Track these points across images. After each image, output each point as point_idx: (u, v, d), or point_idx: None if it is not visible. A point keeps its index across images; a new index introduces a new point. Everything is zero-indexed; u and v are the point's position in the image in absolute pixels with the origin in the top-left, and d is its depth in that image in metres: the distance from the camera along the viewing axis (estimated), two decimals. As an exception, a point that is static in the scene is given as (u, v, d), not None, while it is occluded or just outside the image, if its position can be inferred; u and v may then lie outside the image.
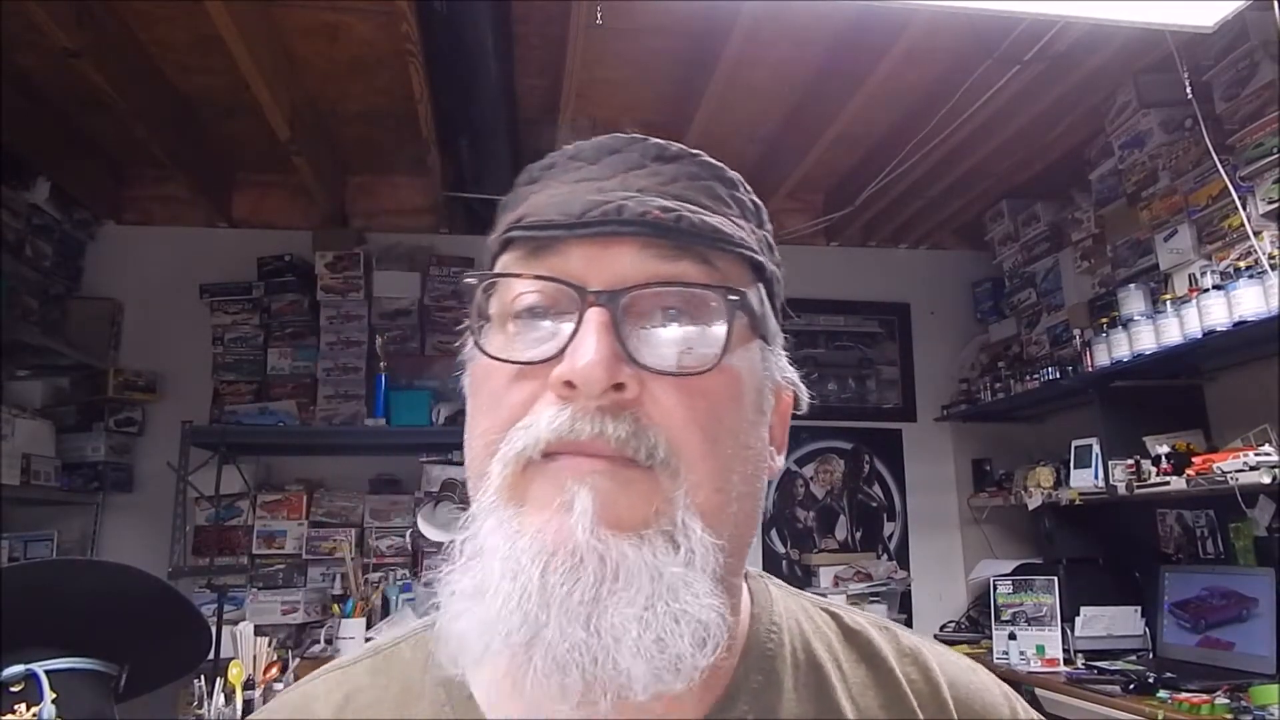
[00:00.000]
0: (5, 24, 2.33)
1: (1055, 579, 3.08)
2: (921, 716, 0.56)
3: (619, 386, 0.46)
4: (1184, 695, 2.32)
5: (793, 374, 0.57)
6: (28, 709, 1.21)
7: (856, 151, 3.40)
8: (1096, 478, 2.93)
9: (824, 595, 0.70)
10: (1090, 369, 2.99)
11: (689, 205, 0.50)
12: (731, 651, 0.53)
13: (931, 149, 2.97)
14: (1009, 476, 3.62)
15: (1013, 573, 3.26)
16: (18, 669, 1.22)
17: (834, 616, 0.61)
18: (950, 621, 3.68)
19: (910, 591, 3.71)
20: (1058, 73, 2.58)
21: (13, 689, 1.21)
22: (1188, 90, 2.39)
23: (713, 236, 0.50)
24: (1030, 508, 3.33)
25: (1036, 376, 3.34)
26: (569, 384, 0.46)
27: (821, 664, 0.56)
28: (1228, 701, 2.24)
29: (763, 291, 0.54)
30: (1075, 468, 3.08)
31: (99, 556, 3.21)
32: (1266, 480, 2.25)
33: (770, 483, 0.57)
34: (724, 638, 0.47)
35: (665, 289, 0.48)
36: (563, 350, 0.47)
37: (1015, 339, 3.75)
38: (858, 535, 3.82)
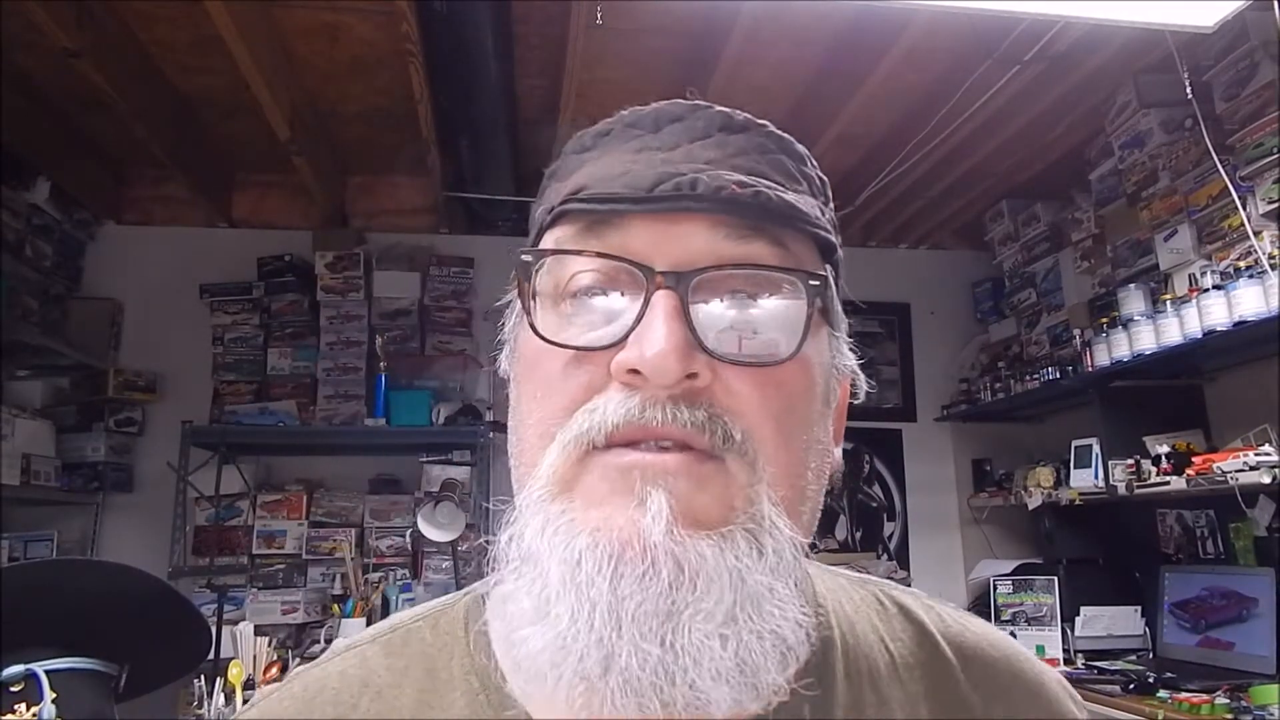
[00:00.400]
0: (5, 24, 2.33)
1: (1055, 579, 3.08)
2: (970, 694, 0.53)
3: (691, 376, 0.43)
4: (1184, 695, 2.32)
5: (853, 361, 0.54)
6: (28, 709, 1.21)
7: (856, 151, 3.40)
8: (1096, 478, 2.93)
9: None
10: (1090, 369, 2.99)
11: (764, 181, 0.46)
12: None
13: (931, 149, 2.97)
14: (1009, 476, 3.62)
15: (1013, 573, 3.26)
16: (18, 669, 1.22)
17: (875, 594, 0.58)
18: (950, 621, 3.68)
19: (910, 591, 3.70)
20: (1058, 73, 2.58)
21: (13, 689, 1.21)
22: (1188, 90, 2.39)
23: (789, 215, 0.46)
24: (1030, 508, 3.32)
25: (1036, 376, 3.33)
26: (635, 372, 0.42)
27: (869, 645, 0.53)
28: (1228, 701, 2.24)
29: (831, 274, 0.50)
30: (1075, 468, 3.08)
31: (99, 556, 3.21)
32: (1266, 480, 2.25)
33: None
34: (805, 652, 0.44)
35: (741, 271, 0.45)
36: (627, 335, 0.43)
37: (1015, 339, 3.75)
38: (858, 535, 3.81)
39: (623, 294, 0.45)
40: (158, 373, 3.45)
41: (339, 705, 0.50)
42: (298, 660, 2.56)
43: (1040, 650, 2.97)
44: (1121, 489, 2.77)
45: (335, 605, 3.06)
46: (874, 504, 3.86)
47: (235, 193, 3.65)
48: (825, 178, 0.53)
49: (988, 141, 3.01)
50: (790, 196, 0.47)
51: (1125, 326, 2.82)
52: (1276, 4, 1.93)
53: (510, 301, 0.51)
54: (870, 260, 4.04)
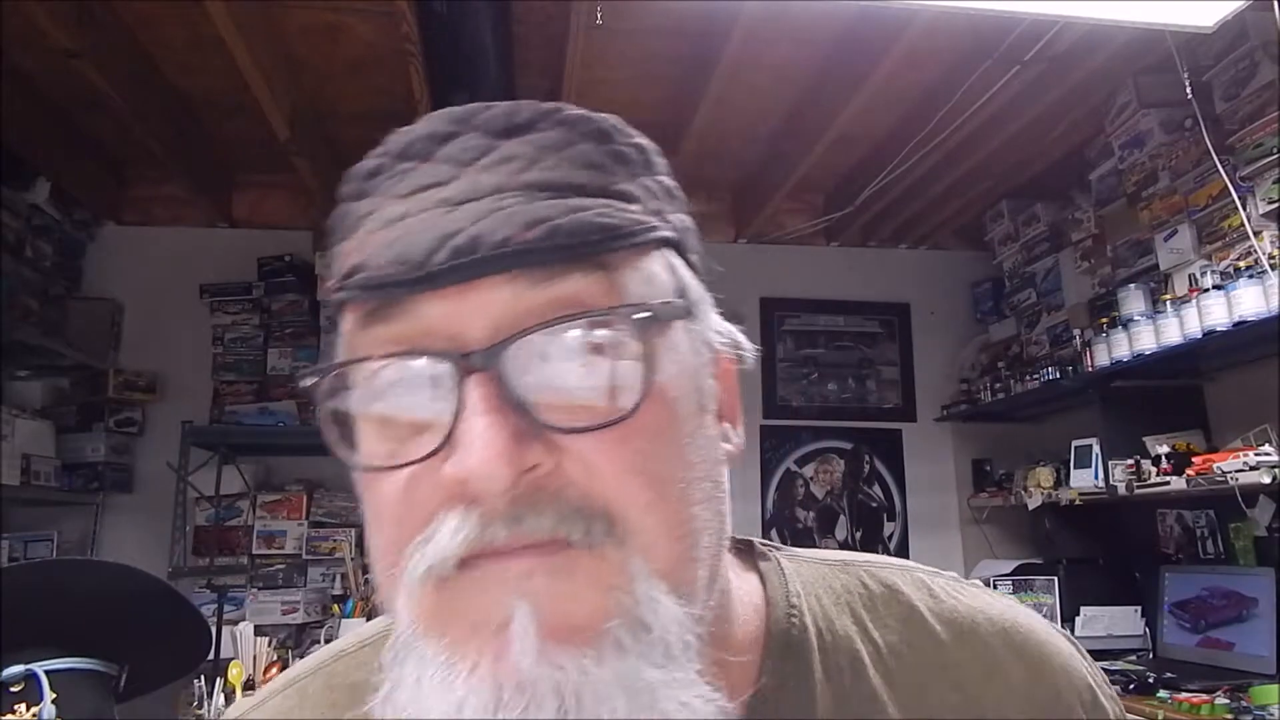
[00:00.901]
0: (5, 24, 2.33)
1: (1055, 579, 3.08)
2: (964, 674, 0.50)
3: (531, 468, 0.37)
4: (1184, 695, 2.32)
5: (728, 330, 0.48)
6: (28, 709, 1.21)
7: (856, 151, 3.40)
8: (1096, 478, 2.93)
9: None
10: (1090, 369, 2.99)
11: (563, 196, 0.40)
12: (754, 646, 0.49)
13: (931, 149, 2.97)
14: (1009, 476, 3.62)
15: (1013, 573, 3.26)
16: (18, 669, 1.22)
17: (860, 578, 0.54)
18: (950, 621, 3.68)
19: (910, 591, 3.70)
20: (1058, 73, 2.58)
21: (13, 689, 1.21)
22: (1188, 90, 2.39)
23: (597, 240, 0.39)
24: (1030, 508, 3.32)
25: (1036, 377, 3.33)
26: (465, 484, 0.37)
27: (850, 639, 0.50)
28: (1228, 702, 2.24)
29: (671, 258, 0.44)
30: (1075, 468, 3.08)
31: (99, 556, 3.21)
32: (1266, 480, 2.25)
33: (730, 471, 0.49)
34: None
35: (556, 325, 0.38)
36: (449, 436, 0.37)
37: (1015, 339, 3.75)
38: (858, 535, 3.81)
39: (438, 384, 0.39)
40: (158, 373, 3.45)
41: None
42: (297, 660, 2.56)
43: (1040, 650, 2.97)
44: (1121, 489, 2.77)
45: (335, 605, 3.06)
46: (874, 504, 3.86)
47: (235, 193, 3.65)
48: (646, 143, 0.47)
49: (988, 141, 3.01)
50: (594, 210, 0.40)
51: (1125, 326, 2.82)
52: (1276, 4, 1.93)
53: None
54: (870, 260, 4.04)
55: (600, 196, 0.41)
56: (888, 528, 3.84)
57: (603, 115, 0.45)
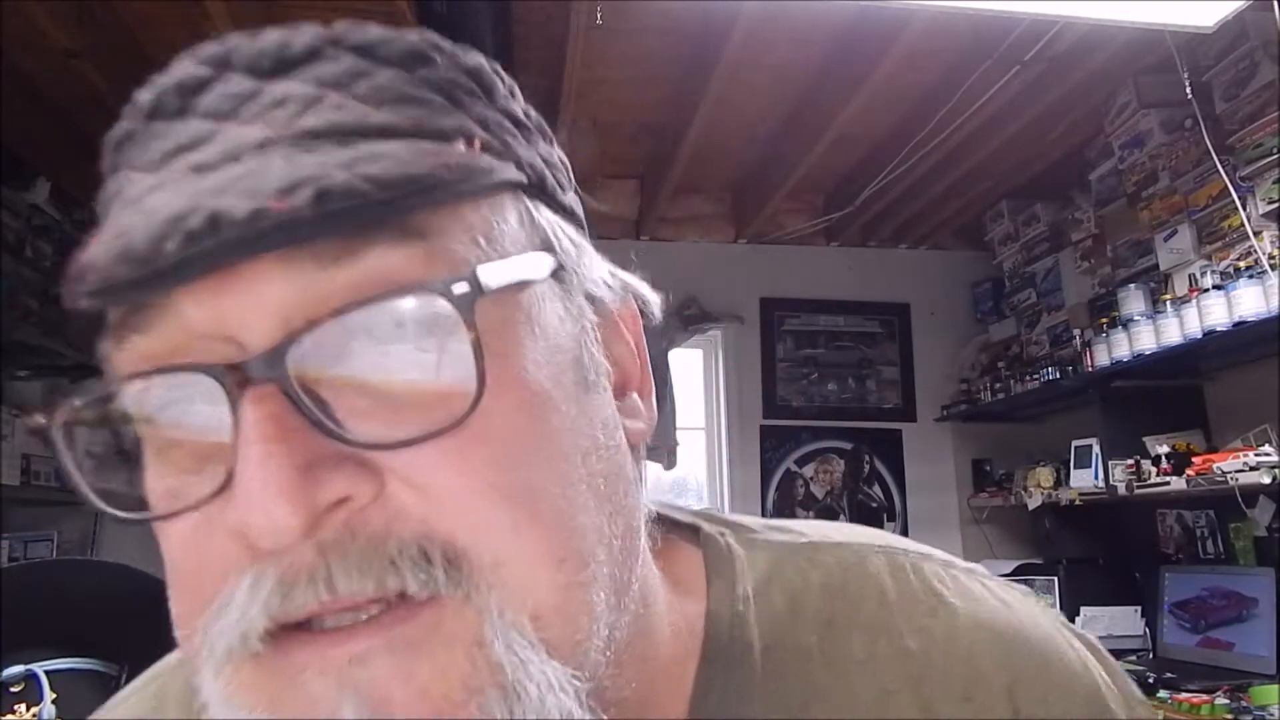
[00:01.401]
0: (5, 24, 2.33)
1: (1055, 579, 3.09)
2: (935, 698, 0.40)
3: (338, 502, 0.29)
4: (1184, 695, 2.32)
5: (622, 280, 0.40)
6: (28, 709, 1.21)
7: (856, 151, 3.40)
8: (1096, 478, 2.93)
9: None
10: (1090, 369, 2.99)
11: (352, 141, 0.30)
12: (689, 654, 0.40)
13: (931, 149, 2.97)
14: (1009, 477, 3.62)
15: (1013, 573, 3.25)
16: (18, 669, 1.22)
17: (827, 567, 0.44)
18: (950, 622, 3.68)
19: (910, 592, 3.70)
20: (1057, 73, 2.58)
21: (13, 689, 1.21)
22: (1188, 90, 2.39)
23: (391, 194, 0.29)
24: (1030, 508, 3.33)
25: (1036, 377, 3.33)
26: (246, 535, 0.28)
27: (806, 656, 0.41)
28: (1228, 702, 2.24)
29: (526, 205, 0.35)
30: (1075, 468, 3.08)
31: (99, 556, 3.21)
32: (1266, 480, 2.25)
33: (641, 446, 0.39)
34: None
35: (353, 315, 0.29)
36: (230, 476, 0.29)
37: (1015, 339, 3.75)
38: (858, 535, 3.81)
39: (211, 406, 0.30)
40: (158, 373, 3.45)
41: None
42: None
43: (1040, 650, 2.97)
44: (1121, 489, 2.77)
45: (335, 605, 3.05)
46: (874, 504, 3.86)
47: (235, 193, 3.65)
48: (478, 63, 0.36)
49: (988, 141, 3.01)
50: (393, 158, 0.29)
51: (1125, 326, 2.82)
52: (1276, 4, 1.93)
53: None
54: (870, 260, 4.04)
55: (410, 137, 0.32)
56: (888, 528, 3.84)
57: (415, 33, 0.35)
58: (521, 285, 0.33)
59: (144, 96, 0.36)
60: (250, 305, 0.29)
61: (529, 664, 0.29)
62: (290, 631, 0.29)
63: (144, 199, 0.31)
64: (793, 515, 3.80)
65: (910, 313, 4.01)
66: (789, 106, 3.10)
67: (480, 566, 0.30)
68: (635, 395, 0.40)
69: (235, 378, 0.29)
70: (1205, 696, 2.28)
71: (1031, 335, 3.62)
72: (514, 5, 2.48)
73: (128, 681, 1.47)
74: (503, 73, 0.38)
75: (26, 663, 1.23)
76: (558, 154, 0.39)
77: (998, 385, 3.58)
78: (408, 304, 0.30)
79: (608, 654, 0.33)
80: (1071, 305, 3.39)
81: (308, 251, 0.29)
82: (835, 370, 3.93)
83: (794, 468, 3.82)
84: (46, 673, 1.23)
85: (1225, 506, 2.77)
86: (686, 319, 3.56)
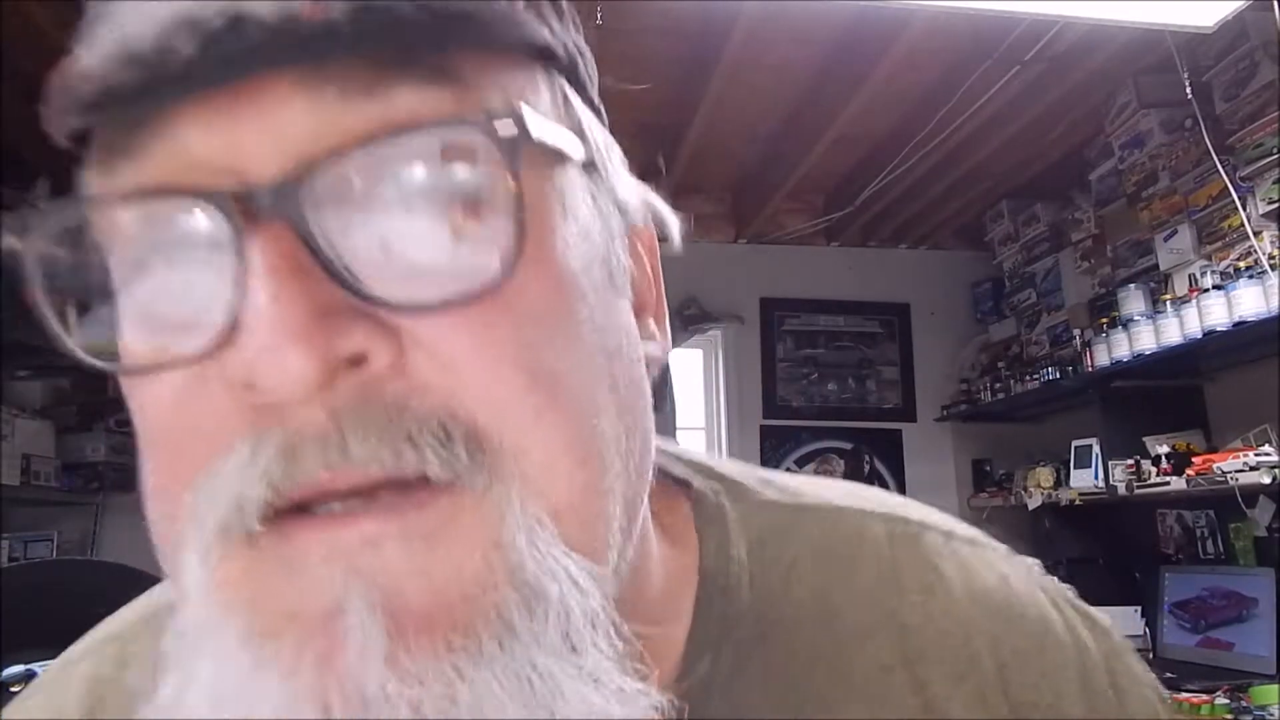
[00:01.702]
0: (5, 24, 2.33)
1: (1055, 579, 3.08)
2: (931, 677, 0.38)
3: (356, 360, 0.26)
4: (1184, 695, 2.32)
5: (645, 195, 0.37)
6: (28, 709, 1.21)
7: (856, 151, 3.40)
8: (1096, 478, 2.93)
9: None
10: (1090, 369, 2.99)
11: None
12: (678, 619, 0.37)
13: (931, 149, 2.97)
14: (1009, 477, 3.62)
15: (1013, 573, 3.25)
16: (18, 669, 1.22)
17: (823, 530, 0.42)
18: (950, 622, 3.68)
19: (910, 592, 3.70)
20: (1057, 73, 2.58)
21: (13, 689, 1.21)
22: (1188, 90, 2.39)
23: (442, 26, 0.26)
24: (1030, 508, 3.33)
25: (1036, 377, 3.33)
26: (254, 388, 0.25)
27: (797, 618, 0.38)
28: (1228, 702, 2.24)
29: (564, 86, 0.33)
30: (1075, 468, 3.08)
31: (99, 556, 3.21)
32: (1266, 480, 2.25)
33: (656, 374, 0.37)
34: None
35: (382, 149, 0.26)
36: (234, 324, 0.25)
37: (1015, 339, 3.75)
38: (858, 535, 3.81)
39: (210, 247, 0.26)
40: (158, 373, 3.45)
41: None
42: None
43: (1040, 650, 2.97)
44: (1121, 489, 2.77)
45: (335, 605, 3.05)
46: (874, 504, 3.85)
47: (235, 193, 3.65)
48: None
49: (988, 141, 3.01)
50: None
51: (1125, 327, 2.82)
52: (1276, 4, 1.93)
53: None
54: (870, 260, 4.04)
55: None
56: (888, 528, 3.84)
57: None
58: (559, 156, 0.30)
59: None
60: (263, 131, 0.26)
61: (551, 560, 0.26)
62: (291, 515, 0.26)
63: (150, 9, 0.26)
64: (793, 515, 3.80)
65: (910, 313, 4.01)
66: (789, 106, 3.10)
67: (502, 454, 0.27)
68: (650, 318, 0.37)
69: (242, 209, 0.25)
70: (1205, 696, 2.28)
71: (1031, 335, 3.62)
72: (514, 5, 2.48)
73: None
74: None
75: (26, 663, 1.23)
76: (586, 46, 0.36)
77: (998, 385, 3.58)
78: (444, 140, 0.26)
79: (615, 586, 0.29)
80: (1071, 305, 3.39)
81: (335, 78, 0.26)
82: (835, 370, 3.93)
83: (794, 468, 3.82)
84: (46, 673, 1.23)
85: (1225, 506, 2.77)
86: (686, 319, 3.56)
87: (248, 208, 0.25)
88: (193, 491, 0.27)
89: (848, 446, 3.87)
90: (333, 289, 0.25)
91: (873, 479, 3.87)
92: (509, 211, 0.26)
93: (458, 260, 0.26)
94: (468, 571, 0.26)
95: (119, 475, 3.32)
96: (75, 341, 0.28)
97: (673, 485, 0.42)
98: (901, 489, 3.87)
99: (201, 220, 0.26)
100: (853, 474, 3.85)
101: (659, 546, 0.38)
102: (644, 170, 3.51)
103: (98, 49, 0.26)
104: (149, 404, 0.28)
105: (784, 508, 0.42)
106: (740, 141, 3.35)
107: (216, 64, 0.25)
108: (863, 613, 0.39)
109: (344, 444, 0.25)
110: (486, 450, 0.26)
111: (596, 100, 0.36)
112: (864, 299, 3.99)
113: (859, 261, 4.03)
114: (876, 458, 3.88)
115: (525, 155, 0.27)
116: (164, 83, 0.25)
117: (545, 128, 0.28)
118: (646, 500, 0.34)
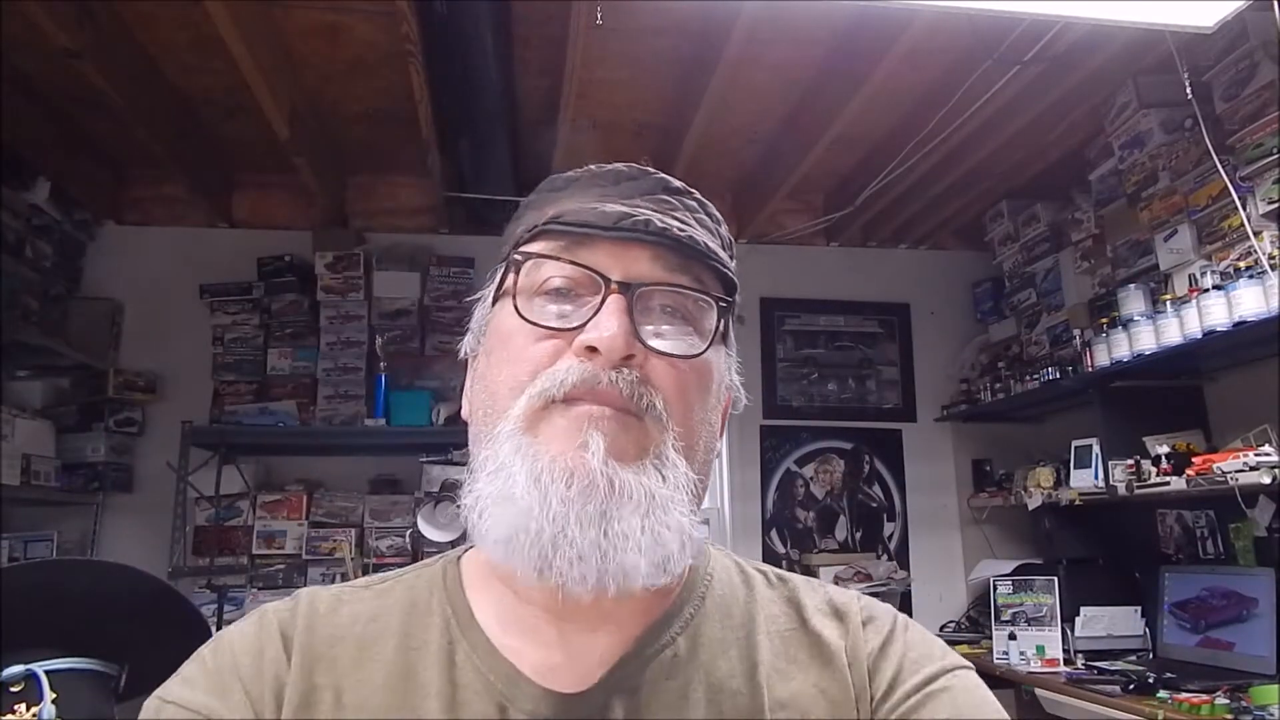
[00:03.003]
0: (5, 24, 2.33)
1: (1055, 579, 3.08)
2: (839, 663, 0.64)
3: (629, 356, 0.57)
4: (1184, 695, 2.32)
5: (736, 380, 0.70)
6: (28, 709, 1.21)
7: (856, 152, 3.40)
8: (1096, 478, 2.93)
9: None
10: (1090, 369, 2.99)
11: (694, 230, 0.62)
12: (670, 590, 0.64)
13: (931, 149, 2.97)
14: (1009, 477, 3.62)
15: (1013, 573, 3.26)
16: (18, 669, 1.22)
17: (763, 571, 0.71)
18: (950, 622, 3.68)
19: (910, 592, 3.70)
20: (1058, 73, 2.58)
21: (13, 689, 1.22)
22: (1188, 91, 2.39)
23: (709, 256, 0.62)
24: (1030, 508, 3.33)
25: (1036, 377, 3.33)
26: (591, 349, 0.57)
27: (745, 606, 0.67)
28: (1228, 702, 2.24)
29: (730, 307, 0.65)
30: (1075, 468, 3.08)
31: (99, 556, 3.21)
32: (1266, 480, 2.25)
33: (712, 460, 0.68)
34: (699, 545, 0.59)
35: (672, 289, 0.60)
36: (587, 322, 0.58)
37: (1015, 339, 3.75)
38: (858, 535, 3.81)
39: (583, 296, 0.60)
40: (158, 373, 3.45)
41: (335, 624, 0.63)
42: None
43: (1040, 650, 2.97)
44: (1121, 489, 2.77)
45: (335, 605, 3.05)
46: (874, 504, 3.86)
47: (235, 193, 3.65)
48: (732, 238, 0.69)
49: (988, 141, 3.01)
50: (711, 243, 0.63)
51: (1125, 327, 2.82)
52: (1276, 4, 1.93)
53: (481, 296, 0.67)
54: (870, 260, 4.05)
55: (713, 238, 0.65)
56: (888, 528, 3.84)
57: (714, 204, 0.68)
58: (726, 333, 0.66)
59: (593, 169, 0.67)
60: (628, 262, 0.60)
61: (677, 460, 0.58)
62: (572, 399, 0.57)
63: (599, 202, 0.62)
64: (793, 515, 3.80)
65: (910, 313, 4.01)
66: (789, 106, 3.10)
67: (667, 416, 0.58)
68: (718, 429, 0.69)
69: (612, 286, 0.59)
70: (1205, 696, 2.28)
71: (1031, 335, 3.62)
72: (514, 5, 2.48)
73: (127, 681, 1.47)
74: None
75: (26, 663, 1.23)
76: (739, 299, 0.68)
77: (998, 385, 3.58)
78: (698, 298, 0.62)
79: (694, 485, 0.60)
80: (1071, 305, 3.39)
81: (664, 256, 0.60)
82: (835, 370, 3.93)
83: (794, 468, 3.82)
84: (46, 672, 1.23)
85: (1225, 506, 2.77)
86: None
87: (613, 286, 0.59)
88: (532, 377, 0.58)
89: (848, 446, 3.87)
90: (631, 327, 0.58)
91: (873, 479, 3.87)
92: (707, 334, 0.62)
93: (679, 341, 0.60)
94: (636, 449, 0.57)
95: (119, 475, 3.33)
96: (518, 311, 0.61)
97: None
98: (901, 489, 3.87)
99: (592, 281, 0.60)
100: (853, 474, 3.86)
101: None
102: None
103: (578, 212, 0.62)
104: (523, 340, 0.60)
105: (744, 559, 0.73)
106: (740, 141, 3.35)
107: (633, 232, 0.60)
108: (785, 615, 0.68)
109: (616, 378, 0.57)
110: (660, 411, 0.58)
111: (731, 329, 0.69)
112: (864, 299, 3.99)
113: (859, 261, 4.03)
114: (876, 458, 3.88)
115: (721, 320, 0.63)
116: (609, 231, 0.60)
117: (728, 315, 0.64)
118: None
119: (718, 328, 0.62)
